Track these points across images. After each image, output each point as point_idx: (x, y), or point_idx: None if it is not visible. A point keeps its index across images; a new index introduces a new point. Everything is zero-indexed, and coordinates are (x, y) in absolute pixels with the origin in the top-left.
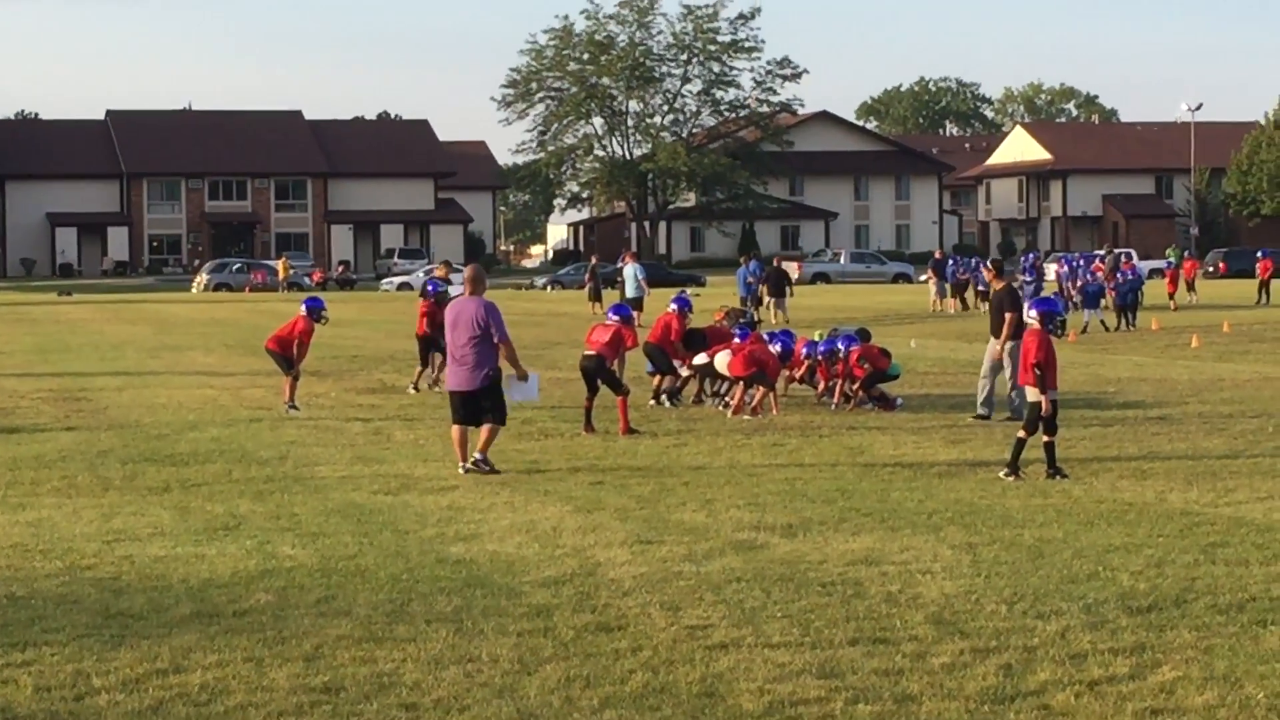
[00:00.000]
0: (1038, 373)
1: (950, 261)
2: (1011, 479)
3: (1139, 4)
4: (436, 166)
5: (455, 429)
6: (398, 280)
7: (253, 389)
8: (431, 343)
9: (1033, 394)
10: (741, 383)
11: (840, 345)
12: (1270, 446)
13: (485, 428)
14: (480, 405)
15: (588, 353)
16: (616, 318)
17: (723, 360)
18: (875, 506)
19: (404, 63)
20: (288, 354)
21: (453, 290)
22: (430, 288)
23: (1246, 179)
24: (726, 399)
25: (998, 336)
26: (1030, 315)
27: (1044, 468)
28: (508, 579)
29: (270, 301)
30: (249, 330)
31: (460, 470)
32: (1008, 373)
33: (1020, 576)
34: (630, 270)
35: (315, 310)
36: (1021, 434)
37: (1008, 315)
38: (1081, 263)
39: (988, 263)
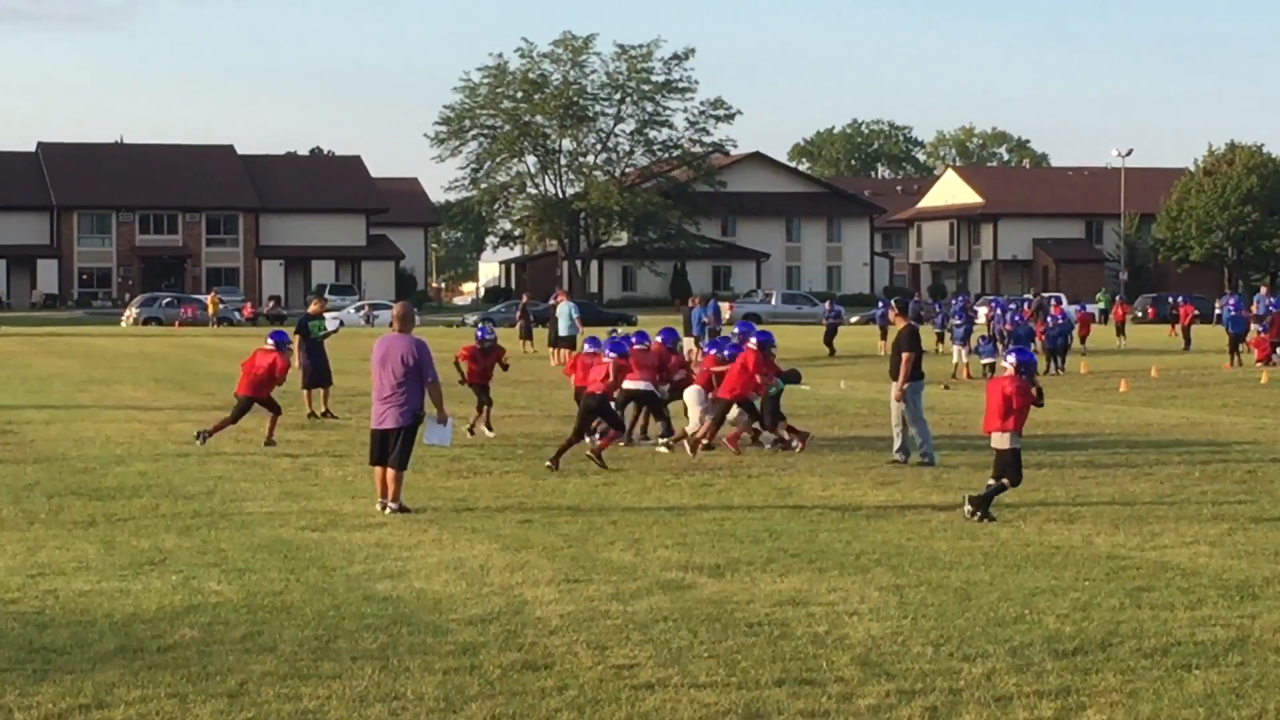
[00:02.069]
0: (1015, 419)
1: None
2: (984, 523)
3: (1070, 50)
4: (369, 202)
5: (376, 469)
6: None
7: (181, 423)
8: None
9: (1003, 440)
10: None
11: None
12: (1196, 492)
13: (390, 474)
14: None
15: (592, 392)
16: (612, 354)
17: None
18: (803, 547)
19: (337, 98)
20: (265, 393)
21: (328, 325)
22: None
23: (1176, 225)
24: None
25: (896, 378)
26: (1008, 362)
27: (968, 507)
28: (434, 616)
29: (200, 336)
30: (178, 365)
31: (378, 507)
32: (897, 415)
33: (947, 619)
34: (564, 308)
35: (283, 344)
36: (1005, 481)
37: (904, 355)
38: (1011, 306)
39: (891, 301)
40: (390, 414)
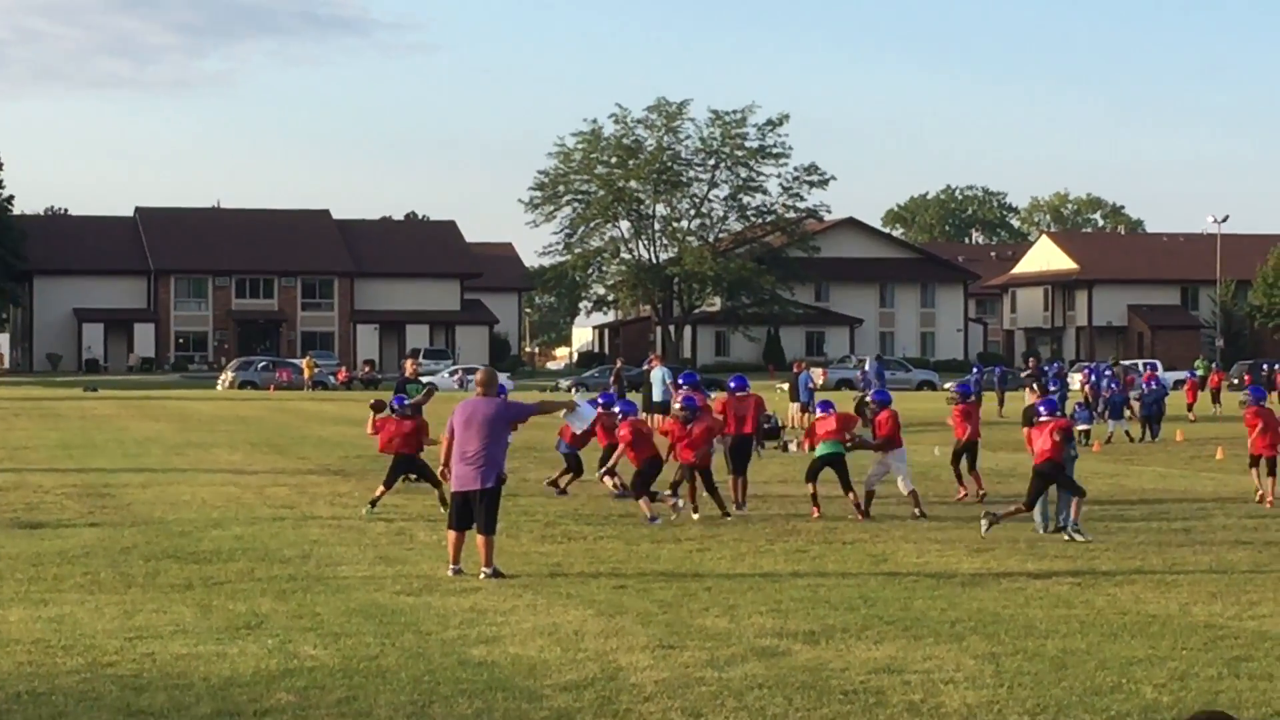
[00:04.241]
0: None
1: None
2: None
3: (1166, 116)
4: (463, 267)
5: (452, 534)
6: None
7: (276, 487)
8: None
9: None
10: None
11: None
12: None
13: (480, 540)
14: (475, 508)
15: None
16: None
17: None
18: (898, 615)
19: (432, 163)
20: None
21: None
22: (395, 402)
23: (1272, 291)
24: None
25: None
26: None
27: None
28: (529, 682)
29: (295, 400)
30: (273, 429)
31: (449, 572)
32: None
33: (1043, 688)
34: (658, 373)
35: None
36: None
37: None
38: (1107, 373)
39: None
40: (474, 475)
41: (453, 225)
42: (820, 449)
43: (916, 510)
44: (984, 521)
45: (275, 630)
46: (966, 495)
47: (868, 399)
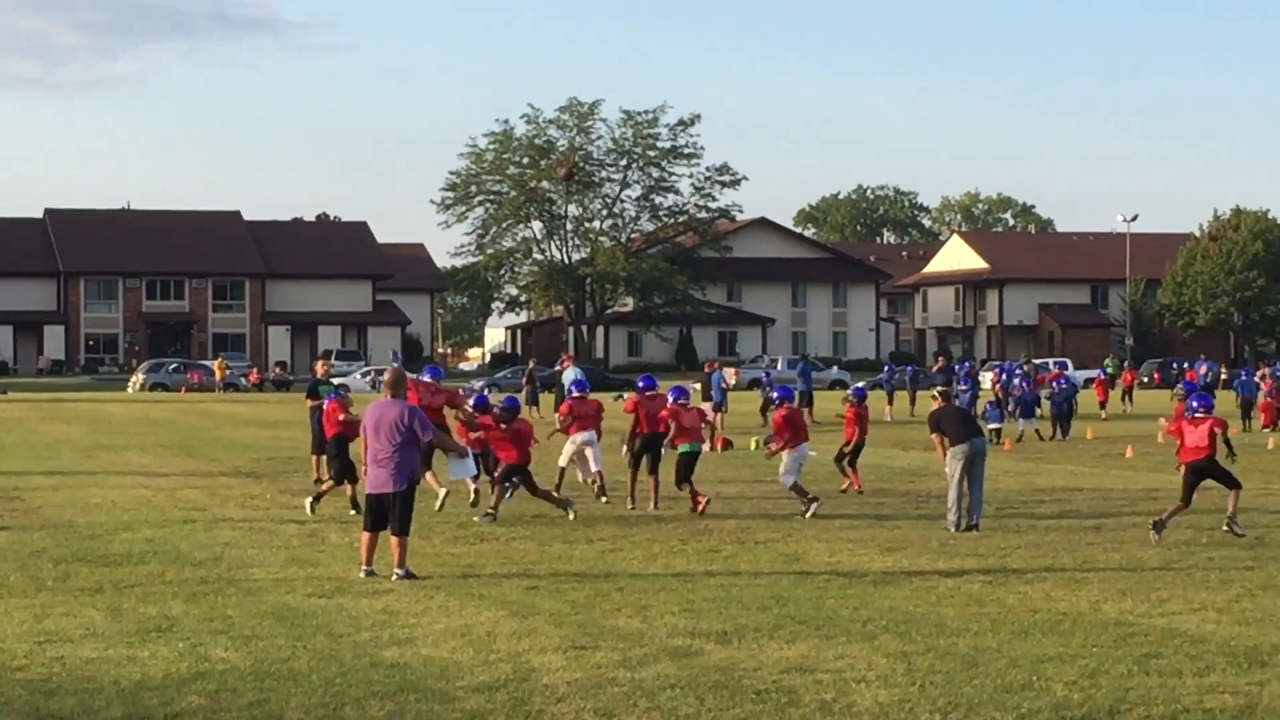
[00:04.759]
0: None
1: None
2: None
3: (1075, 115)
4: (375, 268)
5: (366, 535)
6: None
7: (187, 489)
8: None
9: None
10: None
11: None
12: (1204, 558)
13: (393, 542)
14: (389, 510)
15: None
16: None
17: None
18: (810, 614)
19: (343, 165)
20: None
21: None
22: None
23: (1181, 290)
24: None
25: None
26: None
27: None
28: (441, 684)
29: (206, 402)
30: (185, 431)
31: (362, 573)
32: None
33: (954, 686)
34: (570, 374)
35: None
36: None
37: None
38: (1019, 372)
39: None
40: (386, 478)
41: (364, 226)
42: (681, 449)
43: (804, 505)
44: (1153, 533)
45: (186, 633)
46: (852, 487)
47: (773, 397)
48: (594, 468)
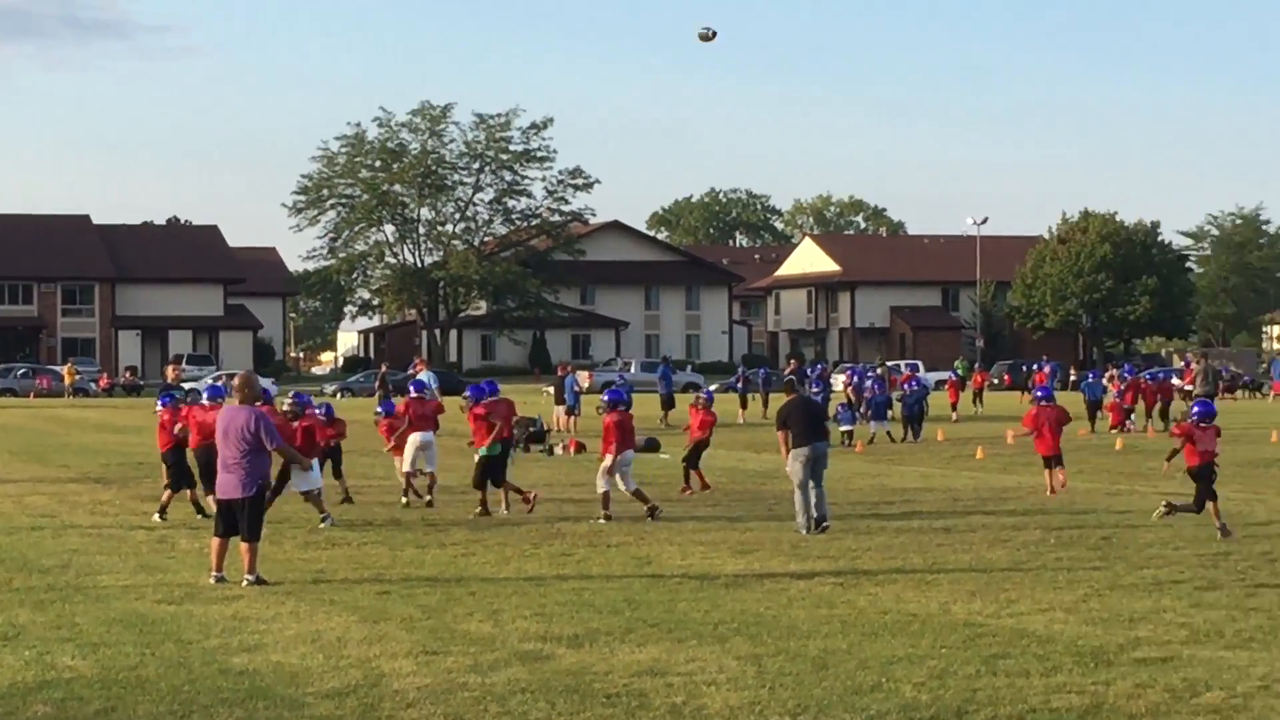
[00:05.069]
0: None
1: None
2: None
3: (927, 119)
4: (226, 272)
5: (216, 540)
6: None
7: (35, 495)
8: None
9: None
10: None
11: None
12: (1052, 558)
13: (243, 547)
14: (239, 515)
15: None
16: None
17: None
18: (662, 617)
19: (194, 168)
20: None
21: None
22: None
23: (1031, 292)
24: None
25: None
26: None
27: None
28: (291, 690)
29: (56, 407)
30: (33, 436)
31: (211, 579)
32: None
33: (804, 688)
34: (424, 377)
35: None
36: None
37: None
38: (870, 374)
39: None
40: (235, 484)
41: (215, 230)
42: (481, 451)
43: (603, 515)
44: (1221, 528)
45: (33, 641)
46: (687, 491)
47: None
48: (427, 468)
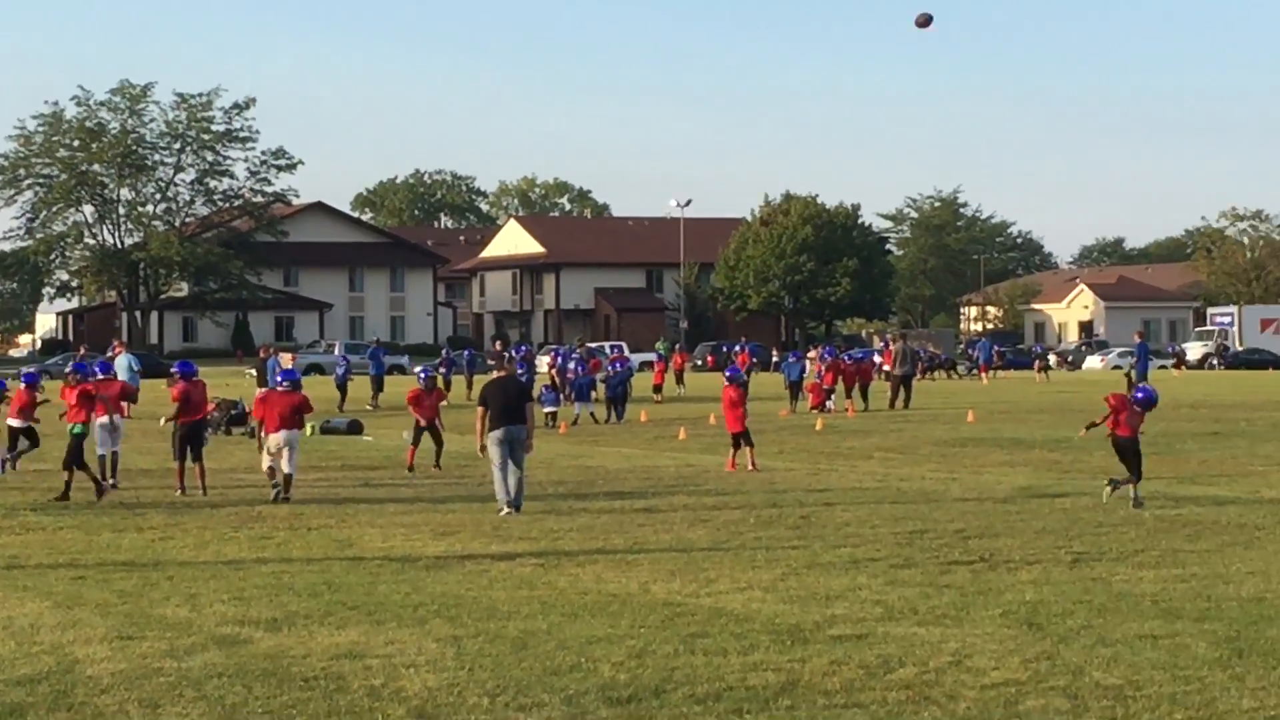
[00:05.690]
0: None
1: (445, 353)
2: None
3: (631, 102)
4: None
5: None
6: None
7: None
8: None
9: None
10: None
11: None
12: (751, 538)
13: None
14: None
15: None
16: (288, 383)
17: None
18: (361, 600)
19: None
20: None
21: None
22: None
23: (734, 274)
24: None
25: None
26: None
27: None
28: None
29: None
30: None
31: None
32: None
33: (503, 669)
34: (123, 360)
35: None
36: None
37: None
38: (575, 355)
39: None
40: None
41: None
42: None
43: (284, 494)
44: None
45: None
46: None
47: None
48: (100, 450)
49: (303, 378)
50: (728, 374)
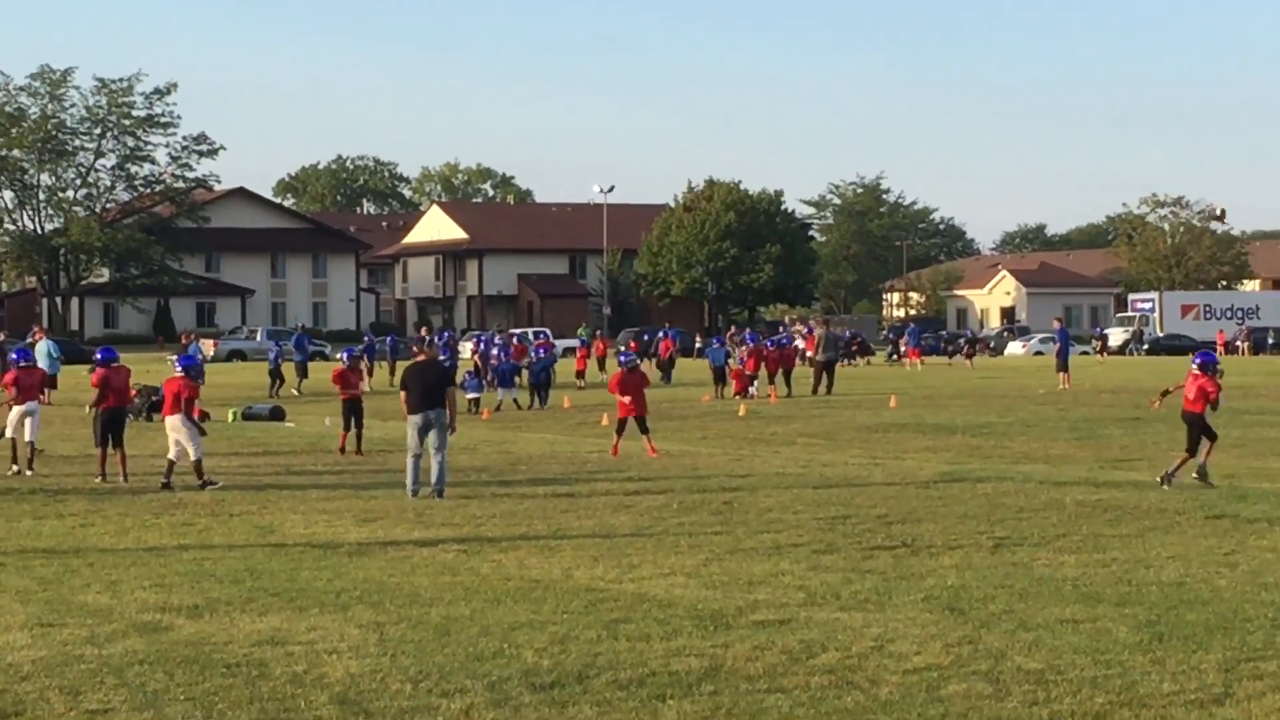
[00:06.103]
0: None
1: (366, 339)
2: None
3: (553, 88)
4: None
5: None
6: None
7: None
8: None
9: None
10: None
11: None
12: (674, 523)
13: None
14: None
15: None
16: (182, 369)
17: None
18: (284, 586)
19: None
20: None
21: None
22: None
23: (657, 260)
24: None
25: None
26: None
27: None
28: None
29: None
30: None
31: None
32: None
33: (426, 655)
34: (44, 346)
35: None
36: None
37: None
38: (498, 342)
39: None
40: None
41: None
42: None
43: (201, 481)
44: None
45: None
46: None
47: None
48: (28, 437)
49: (226, 363)
50: (623, 358)
